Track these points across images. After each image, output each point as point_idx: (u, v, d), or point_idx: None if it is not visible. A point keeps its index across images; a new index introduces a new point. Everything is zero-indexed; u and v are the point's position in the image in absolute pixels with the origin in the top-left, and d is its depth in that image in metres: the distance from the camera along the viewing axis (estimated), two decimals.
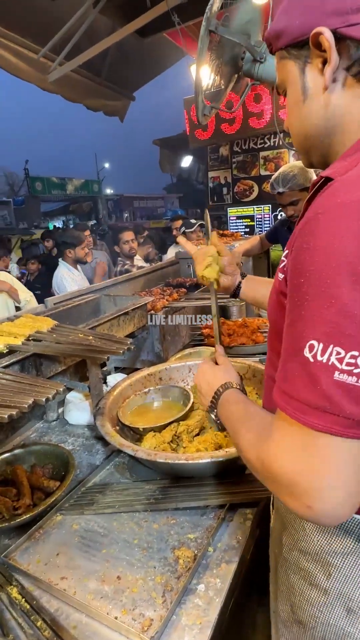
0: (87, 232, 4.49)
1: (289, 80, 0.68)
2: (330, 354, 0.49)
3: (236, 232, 4.05)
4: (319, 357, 0.50)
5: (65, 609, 0.89)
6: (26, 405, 0.92)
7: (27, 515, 1.07)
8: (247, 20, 1.63)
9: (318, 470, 0.52)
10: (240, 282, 1.28)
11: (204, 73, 1.82)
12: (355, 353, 0.48)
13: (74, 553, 1.02)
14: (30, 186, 19.09)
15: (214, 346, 2.15)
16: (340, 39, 0.58)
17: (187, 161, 8.18)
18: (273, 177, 2.40)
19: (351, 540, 0.67)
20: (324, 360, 0.49)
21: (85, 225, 5.98)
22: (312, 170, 2.28)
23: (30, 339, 1.36)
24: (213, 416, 0.88)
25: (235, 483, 1.18)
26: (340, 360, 0.48)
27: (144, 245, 4.67)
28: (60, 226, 18.24)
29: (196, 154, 7.72)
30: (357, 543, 0.67)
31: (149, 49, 3.61)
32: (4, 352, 1.28)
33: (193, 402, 1.48)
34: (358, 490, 0.53)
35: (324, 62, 0.61)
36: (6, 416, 0.87)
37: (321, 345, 0.50)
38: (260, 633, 1.44)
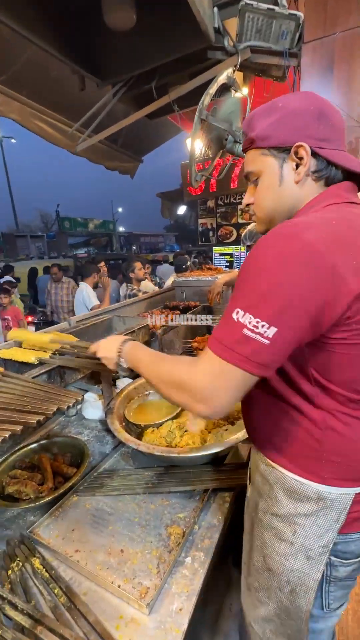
0: (102, 264, 4.47)
1: (266, 170, 0.74)
2: (244, 318, 0.60)
3: (219, 267, 4.08)
4: (240, 319, 0.60)
5: (78, 577, 0.86)
6: (51, 412, 0.90)
7: (49, 497, 1.04)
8: (230, 112, 1.67)
9: (220, 386, 0.64)
10: None
11: (196, 148, 1.85)
12: (259, 320, 0.59)
13: (86, 529, 0.99)
14: (60, 224, 19.13)
15: None
16: (311, 153, 0.70)
17: (182, 210, 8.25)
18: (242, 234, 2.51)
19: (311, 505, 0.71)
20: (240, 320, 0.60)
21: (103, 256, 5.92)
22: None
23: (56, 353, 1.34)
24: (122, 363, 0.89)
25: (216, 471, 1.16)
26: (249, 322, 0.59)
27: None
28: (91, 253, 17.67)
29: (189, 204, 7.81)
30: (315, 507, 0.71)
31: (155, 126, 3.68)
32: (36, 363, 1.25)
33: None
34: (234, 401, 0.65)
35: (297, 164, 0.71)
36: (35, 421, 0.85)
37: (241, 312, 0.60)
38: (235, 589, 1.40)
